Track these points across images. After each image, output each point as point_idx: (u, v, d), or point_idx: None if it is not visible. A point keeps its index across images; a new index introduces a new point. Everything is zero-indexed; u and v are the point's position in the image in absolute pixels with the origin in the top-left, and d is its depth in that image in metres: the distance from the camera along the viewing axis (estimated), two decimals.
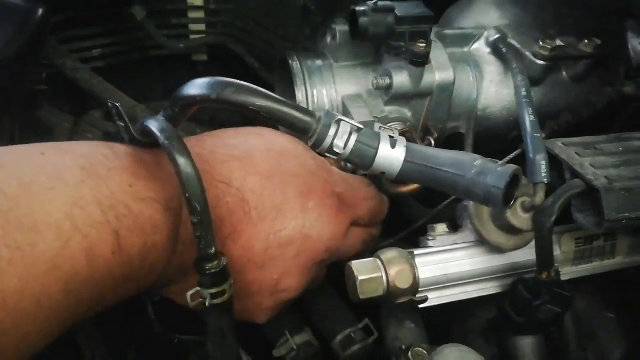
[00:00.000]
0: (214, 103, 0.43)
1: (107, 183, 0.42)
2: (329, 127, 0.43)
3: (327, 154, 0.44)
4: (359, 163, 0.44)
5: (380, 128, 0.46)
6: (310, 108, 0.68)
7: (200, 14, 0.88)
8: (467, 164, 0.43)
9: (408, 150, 0.44)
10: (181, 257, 0.47)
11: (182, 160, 0.41)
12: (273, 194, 0.53)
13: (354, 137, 0.43)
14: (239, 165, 0.52)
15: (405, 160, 0.44)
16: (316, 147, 0.44)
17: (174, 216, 0.46)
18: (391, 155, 0.44)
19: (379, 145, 0.44)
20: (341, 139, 0.43)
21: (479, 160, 0.43)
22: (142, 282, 0.45)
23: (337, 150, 0.43)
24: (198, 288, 0.44)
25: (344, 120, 0.43)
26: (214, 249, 0.43)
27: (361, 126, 0.44)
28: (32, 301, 0.35)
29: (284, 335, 0.63)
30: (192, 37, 0.89)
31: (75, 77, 0.73)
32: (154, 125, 0.43)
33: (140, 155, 0.46)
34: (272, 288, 0.54)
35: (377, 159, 0.44)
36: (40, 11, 0.56)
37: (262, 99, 0.43)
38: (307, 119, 0.43)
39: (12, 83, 0.58)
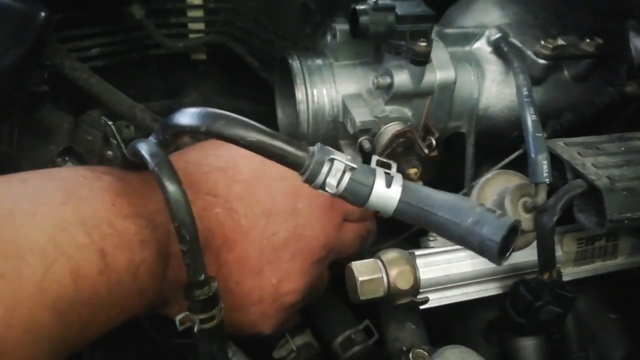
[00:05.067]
0: (204, 134, 0.43)
1: (90, 203, 0.42)
2: (321, 164, 0.42)
3: (319, 190, 0.43)
4: (352, 201, 0.43)
5: (377, 162, 0.45)
6: (310, 107, 0.68)
7: (199, 13, 0.88)
8: (463, 211, 0.42)
9: (404, 190, 0.43)
10: (176, 272, 0.47)
11: (171, 188, 0.41)
12: (260, 200, 0.53)
13: (347, 176, 0.42)
14: (223, 174, 0.52)
15: (400, 201, 0.43)
16: (309, 182, 0.43)
17: (161, 230, 0.46)
18: (386, 194, 0.43)
19: (373, 184, 0.42)
20: (334, 177, 0.42)
21: (476, 208, 0.42)
22: (136, 301, 0.45)
23: (329, 190, 0.42)
24: (187, 312, 0.44)
25: (337, 159, 0.42)
26: (203, 275, 0.43)
27: (355, 165, 0.43)
28: (20, 328, 0.35)
29: (283, 336, 0.63)
30: (192, 36, 0.89)
31: (74, 77, 0.73)
32: (145, 149, 0.43)
33: (121, 173, 0.47)
34: (274, 294, 0.54)
35: (371, 197, 0.43)
36: (42, 14, 0.55)
37: (253, 133, 0.41)
38: (299, 154, 0.42)
39: (13, 89, 0.57)
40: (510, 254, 0.42)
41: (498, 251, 0.40)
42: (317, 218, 0.55)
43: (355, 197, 0.43)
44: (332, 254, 0.58)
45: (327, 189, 0.42)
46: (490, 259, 0.41)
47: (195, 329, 0.44)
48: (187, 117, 0.43)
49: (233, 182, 0.53)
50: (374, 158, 0.45)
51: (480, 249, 0.41)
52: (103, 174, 0.46)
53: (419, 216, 0.43)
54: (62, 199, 0.41)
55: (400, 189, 0.43)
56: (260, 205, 0.53)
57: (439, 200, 0.43)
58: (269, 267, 0.53)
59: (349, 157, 0.43)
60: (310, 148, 0.43)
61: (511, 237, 0.41)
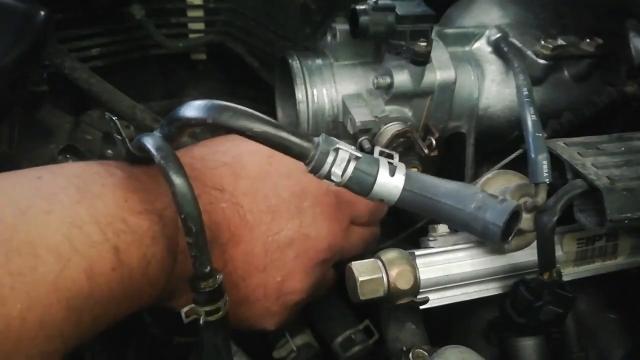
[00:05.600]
0: (210, 127, 0.43)
1: (103, 200, 0.42)
2: (327, 154, 0.42)
3: (325, 180, 0.43)
4: (357, 190, 0.44)
5: (380, 153, 0.45)
6: (310, 107, 0.68)
7: (199, 13, 0.88)
8: (466, 197, 0.42)
9: (407, 179, 0.43)
10: (183, 267, 0.47)
11: (178, 181, 0.41)
12: (266, 196, 0.53)
13: (352, 165, 0.43)
14: (229, 170, 0.53)
15: (403, 189, 0.43)
16: (314, 172, 0.43)
17: (170, 226, 0.46)
18: (390, 183, 0.43)
19: (377, 173, 0.43)
20: (339, 166, 0.42)
21: (479, 194, 0.43)
22: (144, 295, 0.45)
23: (335, 179, 0.43)
24: (193, 305, 0.44)
25: (342, 149, 0.43)
26: (209, 267, 0.43)
27: (359, 154, 0.43)
28: (35, 323, 0.36)
29: (283, 336, 0.63)
30: (191, 36, 0.89)
31: (74, 77, 0.73)
32: (150, 143, 0.44)
33: (131, 169, 0.47)
34: (278, 291, 0.54)
35: (375, 186, 0.43)
36: (42, 14, 0.55)
37: (259, 124, 0.42)
38: (305, 144, 0.42)
39: (12, 89, 0.57)
40: (512, 237, 0.43)
41: (501, 235, 0.41)
42: (323, 219, 0.55)
43: (359, 186, 0.43)
44: (337, 255, 0.58)
45: (332, 178, 0.43)
46: (494, 243, 0.42)
47: (201, 321, 0.44)
48: (193, 109, 0.44)
49: (239, 177, 0.53)
50: (377, 149, 0.46)
51: (484, 234, 0.42)
52: (114, 169, 0.46)
53: (422, 204, 0.43)
54: (76, 196, 0.41)
55: (403, 177, 0.43)
56: (265, 202, 0.53)
57: (442, 187, 0.43)
58: (274, 264, 0.53)
59: (352, 147, 0.44)
60: (315, 139, 0.43)
61: (513, 221, 0.42)
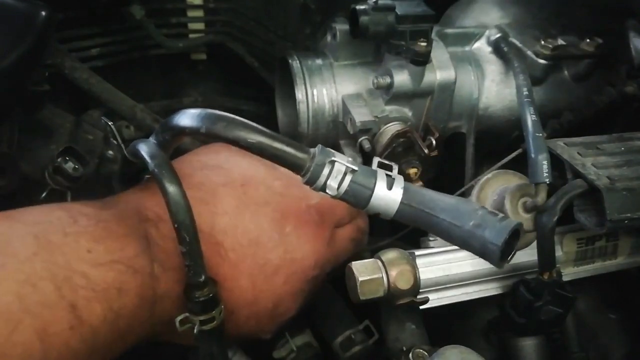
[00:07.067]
0: (203, 136, 0.42)
1: (63, 251, 0.40)
2: (322, 166, 0.42)
3: (321, 192, 0.43)
4: (353, 203, 0.43)
5: (378, 164, 0.44)
6: (310, 107, 0.68)
7: (199, 13, 0.88)
8: (465, 214, 0.41)
9: (405, 192, 0.43)
10: (166, 311, 0.46)
11: (171, 189, 0.41)
12: (246, 230, 0.51)
13: (348, 178, 0.42)
14: (205, 208, 0.50)
15: (401, 203, 0.42)
16: (310, 184, 0.42)
17: (142, 274, 0.44)
18: (387, 196, 0.42)
19: (374, 186, 0.42)
20: (335, 179, 0.42)
21: (478, 211, 0.41)
22: (117, 347, 0.43)
23: (330, 192, 0.42)
24: (187, 314, 0.43)
25: (338, 161, 0.42)
26: (203, 277, 0.43)
27: (356, 167, 0.42)
28: None
29: (283, 336, 0.63)
30: (192, 36, 0.89)
31: (74, 77, 0.73)
32: (145, 150, 0.43)
33: (98, 213, 0.45)
34: (270, 316, 0.54)
35: (372, 200, 0.42)
36: (44, 14, 0.55)
37: (253, 135, 0.41)
38: (300, 155, 0.42)
39: (13, 90, 0.56)
40: (512, 257, 0.42)
41: (500, 255, 0.40)
42: (307, 239, 0.54)
43: (356, 199, 0.43)
44: (327, 267, 0.58)
45: (327, 191, 0.42)
46: (492, 263, 0.41)
47: (195, 330, 0.43)
48: (187, 118, 0.43)
49: (216, 215, 0.51)
50: (375, 160, 0.45)
51: (482, 253, 0.41)
52: (79, 214, 0.44)
53: (420, 218, 0.43)
54: (33, 247, 0.39)
55: (401, 191, 0.43)
56: (247, 235, 0.51)
57: (441, 202, 0.42)
58: (263, 295, 0.52)
59: (350, 159, 0.43)
60: (311, 150, 0.42)
61: (513, 241, 0.41)
